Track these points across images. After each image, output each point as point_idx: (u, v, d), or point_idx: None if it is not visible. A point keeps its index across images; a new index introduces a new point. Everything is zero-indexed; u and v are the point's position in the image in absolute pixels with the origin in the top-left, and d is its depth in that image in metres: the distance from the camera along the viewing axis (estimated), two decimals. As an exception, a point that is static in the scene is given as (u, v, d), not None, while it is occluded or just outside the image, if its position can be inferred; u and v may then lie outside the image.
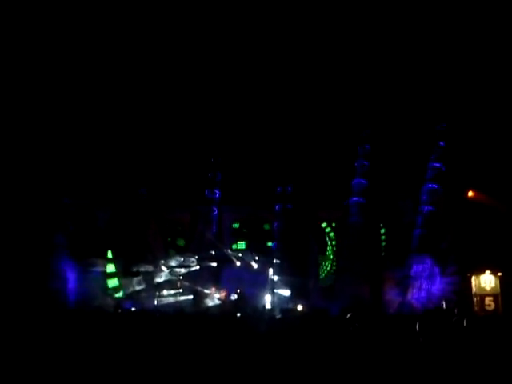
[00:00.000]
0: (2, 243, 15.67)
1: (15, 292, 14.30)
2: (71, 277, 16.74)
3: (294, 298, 16.37)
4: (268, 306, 16.41)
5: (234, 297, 16.66)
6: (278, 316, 12.73)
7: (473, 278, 14.70)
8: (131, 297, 16.89)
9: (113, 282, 17.38)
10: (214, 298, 17.16)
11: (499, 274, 14.64)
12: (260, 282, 17.21)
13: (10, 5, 15.17)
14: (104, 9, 16.24)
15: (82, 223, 18.08)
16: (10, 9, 15.14)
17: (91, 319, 11.52)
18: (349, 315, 11.39)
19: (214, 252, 18.01)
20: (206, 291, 17.18)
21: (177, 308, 15.68)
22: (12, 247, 15.59)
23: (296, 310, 14.93)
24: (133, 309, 14.89)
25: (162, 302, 16.88)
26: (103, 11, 16.31)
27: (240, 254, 17.97)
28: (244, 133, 18.13)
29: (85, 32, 16.33)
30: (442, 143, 17.12)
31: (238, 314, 13.17)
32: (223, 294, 17.03)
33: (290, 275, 17.44)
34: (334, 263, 18.31)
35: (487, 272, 14.68)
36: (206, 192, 19.03)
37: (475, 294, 14.57)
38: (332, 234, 18.64)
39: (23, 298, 13.88)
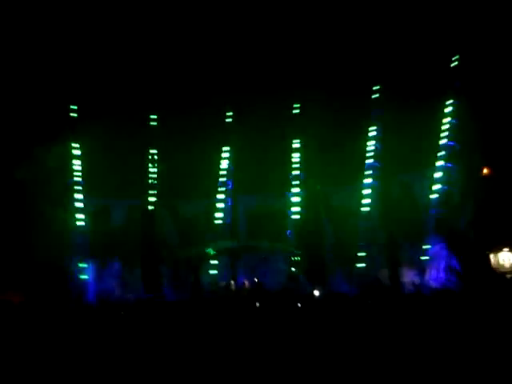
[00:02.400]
0: (22, 242, 15.92)
1: (37, 289, 14.54)
2: (90, 273, 16.94)
3: (312, 282, 16.33)
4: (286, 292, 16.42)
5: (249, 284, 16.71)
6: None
7: (491, 255, 14.56)
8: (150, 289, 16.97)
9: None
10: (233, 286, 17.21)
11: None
12: (277, 269, 17.23)
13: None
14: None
15: (98, 222, 18.24)
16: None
17: (113, 311, 11.70)
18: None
19: (230, 242, 18.06)
20: (223, 282, 17.22)
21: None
22: (32, 246, 15.81)
23: (313, 295, 14.95)
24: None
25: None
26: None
27: (257, 243, 17.96)
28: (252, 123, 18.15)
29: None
30: (455, 121, 16.88)
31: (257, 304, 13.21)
32: (245, 283, 17.02)
33: (307, 261, 17.45)
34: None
35: (505, 250, 14.54)
36: (219, 183, 19.14)
37: (495, 272, 14.43)
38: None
39: (45, 294, 14.10)
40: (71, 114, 18.40)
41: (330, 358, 8.07)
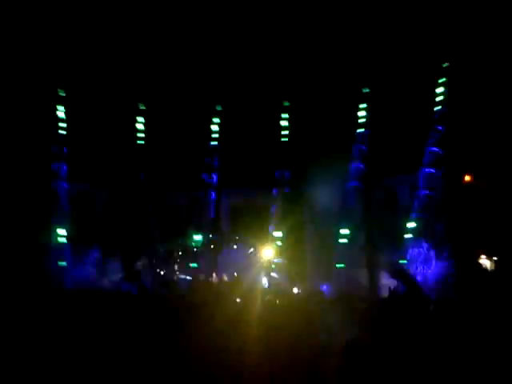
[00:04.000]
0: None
1: (12, 275, 14.43)
2: (69, 260, 16.89)
3: (291, 281, 16.48)
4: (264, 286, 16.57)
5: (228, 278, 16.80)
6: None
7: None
8: (130, 279, 16.96)
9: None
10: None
11: (494, 258, 14.71)
12: (257, 265, 17.34)
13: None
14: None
15: (80, 207, 18.17)
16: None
17: (89, 300, 11.69)
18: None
19: (211, 236, 18.12)
20: (202, 274, 17.30)
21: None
22: (9, 231, 15.67)
23: (292, 292, 15.10)
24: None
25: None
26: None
27: (237, 238, 18.06)
28: (240, 117, 18.08)
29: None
30: (439, 127, 17.05)
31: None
32: (223, 278, 17.11)
33: (287, 258, 17.57)
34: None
35: (482, 256, 14.76)
36: (204, 176, 19.12)
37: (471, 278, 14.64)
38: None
39: (21, 280, 14.00)
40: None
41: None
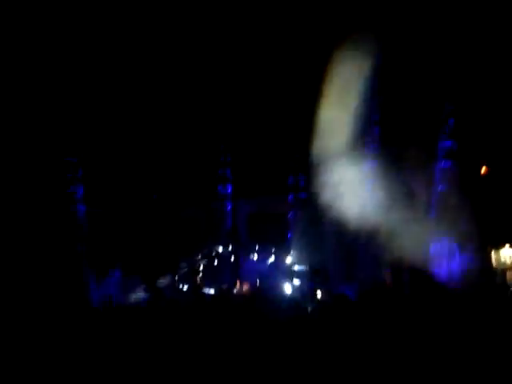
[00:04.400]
0: (26, 252, 15.92)
1: (40, 298, 14.54)
2: (93, 282, 16.97)
3: (314, 285, 16.34)
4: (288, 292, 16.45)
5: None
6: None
7: (492, 253, 14.62)
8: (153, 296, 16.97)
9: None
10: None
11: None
12: (278, 272, 17.26)
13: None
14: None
15: (100, 229, 18.24)
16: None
17: (117, 316, 11.78)
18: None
19: (230, 246, 18.10)
20: (225, 285, 17.24)
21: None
22: (35, 256, 15.81)
23: (315, 297, 14.98)
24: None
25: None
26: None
27: (257, 247, 18.02)
28: (252, 126, 18.08)
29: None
30: (451, 121, 16.91)
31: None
32: (246, 288, 17.08)
33: (308, 263, 17.44)
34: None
35: (507, 246, 14.61)
36: (219, 188, 19.14)
37: (496, 269, 14.52)
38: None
39: (48, 303, 14.09)
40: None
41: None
